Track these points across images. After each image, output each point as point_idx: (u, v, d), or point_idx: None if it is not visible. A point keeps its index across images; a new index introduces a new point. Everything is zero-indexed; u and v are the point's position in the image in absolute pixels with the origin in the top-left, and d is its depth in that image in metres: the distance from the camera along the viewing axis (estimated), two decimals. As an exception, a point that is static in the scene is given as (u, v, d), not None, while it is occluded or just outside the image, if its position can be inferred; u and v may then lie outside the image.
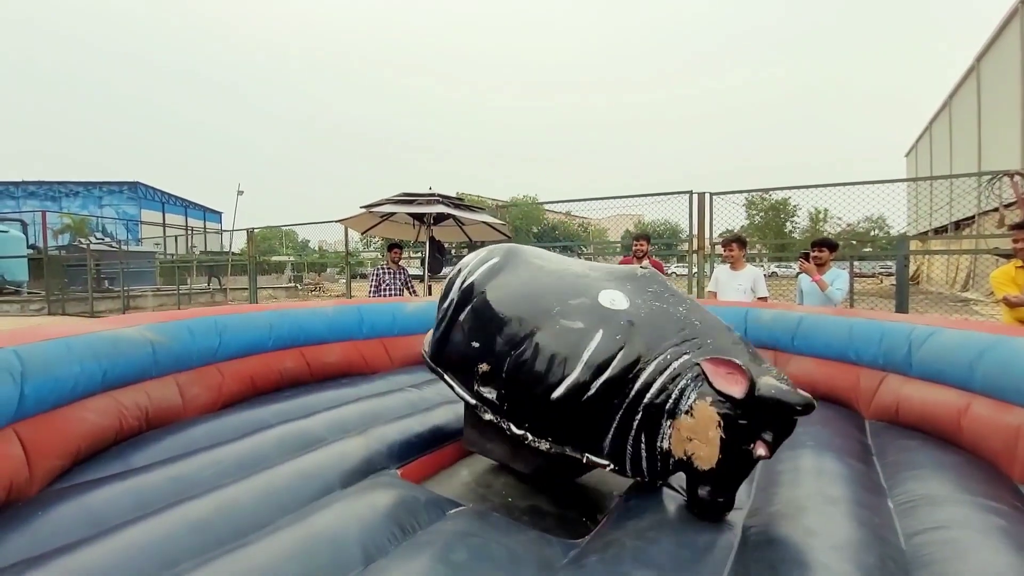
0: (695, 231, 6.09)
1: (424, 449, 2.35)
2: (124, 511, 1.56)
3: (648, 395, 1.61)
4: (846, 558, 1.34)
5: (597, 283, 1.86)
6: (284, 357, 3.02)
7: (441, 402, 2.74)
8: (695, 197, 6.08)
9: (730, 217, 6.29)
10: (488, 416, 1.98)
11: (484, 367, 1.98)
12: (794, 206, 16.65)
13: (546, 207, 25.67)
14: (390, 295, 5.36)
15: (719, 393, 1.46)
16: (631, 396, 1.63)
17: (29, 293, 15.44)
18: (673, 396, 1.57)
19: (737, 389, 1.43)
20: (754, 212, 19.83)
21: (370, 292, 5.47)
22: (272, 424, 2.33)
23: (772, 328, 3.09)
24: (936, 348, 2.32)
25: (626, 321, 1.70)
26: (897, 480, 1.87)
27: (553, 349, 1.76)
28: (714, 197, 6.06)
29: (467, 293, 2.12)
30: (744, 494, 1.84)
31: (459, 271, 2.26)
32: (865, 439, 2.35)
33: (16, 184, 32.15)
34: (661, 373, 1.61)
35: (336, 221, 6.67)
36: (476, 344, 2.04)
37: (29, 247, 18.77)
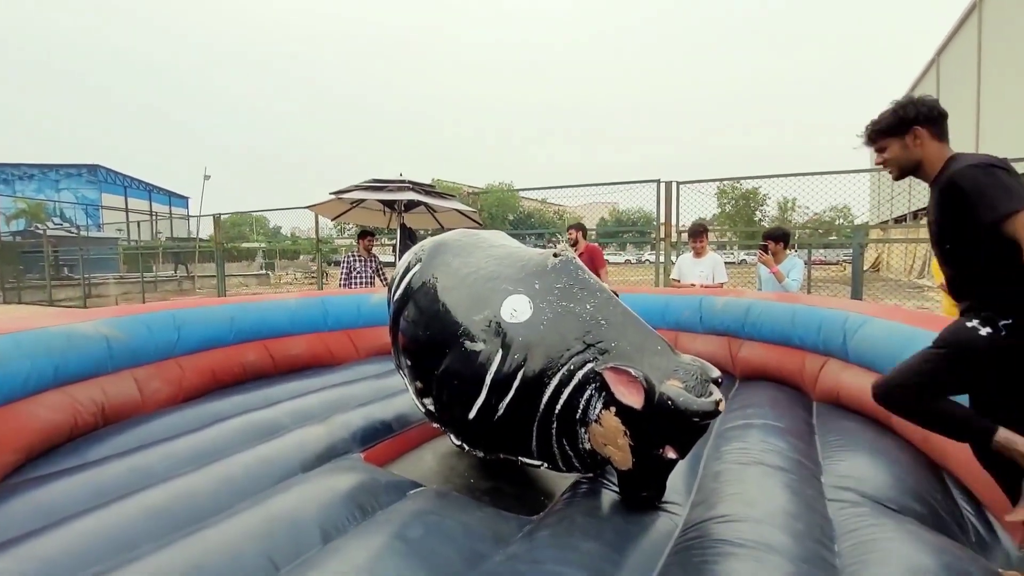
0: (663, 220, 6.21)
1: (387, 433, 2.40)
2: (80, 503, 1.56)
3: (557, 407, 1.65)
4: (778, 525, 1.45)
5: (504, 288, 1.85)
6: (246, 350, 3.01)
7: (405, 389, 2.78)
8: (662, 186, 6.19)
9: (702, 206, 6.44)
10: (436, 424, 2.12)
11: (419, 384, 2.13)
12: (764, 195, 17.14)
13: (521, 194, 25.66)
14: (361, 283, 5.32)
15: (620, 404, 1.49)
16: (542, 409, 1.67)
17: (-19, 282, 14.72)
18: (581, 406, 1.61)
19: (635, 400, 1.46)
20: (725, 201, 20.26)
21: (341, 280, 5.42)
22: (233, 415, 2.34)
23: (724, 315, 3.21)
24: (867, 338, 2.41)
25: (525, 338, 1.71)
26: (833, 458, 1.99)
27: (461, 372, 1.81)
28: (681, 186, 6.18)
29: (398, 306, 2.20)
30: (691, 470, 1.95)
31: (393, 280, 2.32)
32: (810, 419, 2.48)
33: (-35, 167, 30.42)
34: (566, 385, 1.63)
35: (305, 207, 6.55)
36: (408, 362, 2.18)
37: (-20, 233, 17.86)
